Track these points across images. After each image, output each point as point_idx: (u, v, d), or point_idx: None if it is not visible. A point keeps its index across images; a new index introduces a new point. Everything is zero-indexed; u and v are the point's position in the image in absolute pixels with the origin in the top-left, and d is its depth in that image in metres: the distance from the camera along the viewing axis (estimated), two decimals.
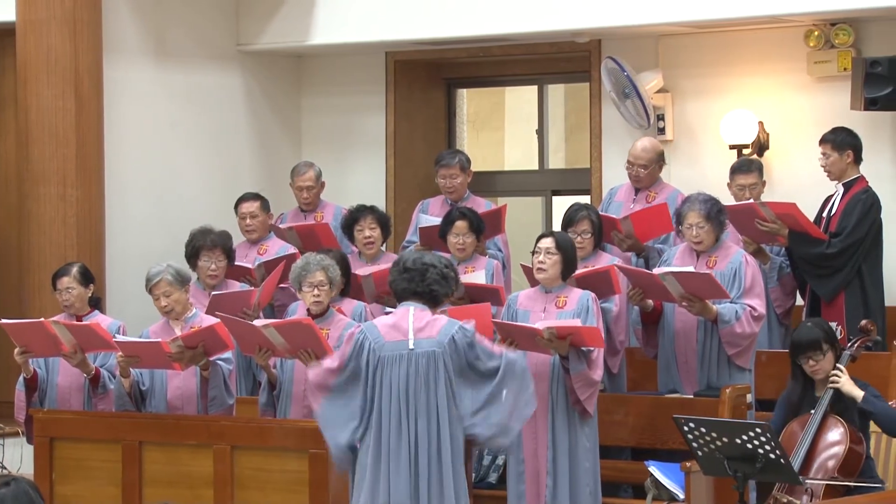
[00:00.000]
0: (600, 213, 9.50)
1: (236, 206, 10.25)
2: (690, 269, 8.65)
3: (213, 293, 9.19)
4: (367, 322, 7.21)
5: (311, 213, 10.55)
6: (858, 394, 7.34)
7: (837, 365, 7.42)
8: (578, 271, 8.62)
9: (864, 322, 7.84)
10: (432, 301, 7.13)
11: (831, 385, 7.37)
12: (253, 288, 9.34)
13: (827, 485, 7.17)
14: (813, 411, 7.36)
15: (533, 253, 8.49)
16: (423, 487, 6.89)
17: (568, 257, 8.41)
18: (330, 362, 7.16)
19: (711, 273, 8.59)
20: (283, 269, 9.34)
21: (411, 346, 6.97)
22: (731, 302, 8.66)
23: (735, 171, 9.71)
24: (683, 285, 8.53)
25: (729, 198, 9.54)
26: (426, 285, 7.05)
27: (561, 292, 8.42)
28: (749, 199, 9.47)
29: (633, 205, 9.82)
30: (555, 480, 8.34)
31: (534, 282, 8.72)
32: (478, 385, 7.01)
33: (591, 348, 8.19)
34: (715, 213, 8.80)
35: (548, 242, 8.40)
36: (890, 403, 8.32)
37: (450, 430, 6.96)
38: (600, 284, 8.66)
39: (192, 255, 9.43)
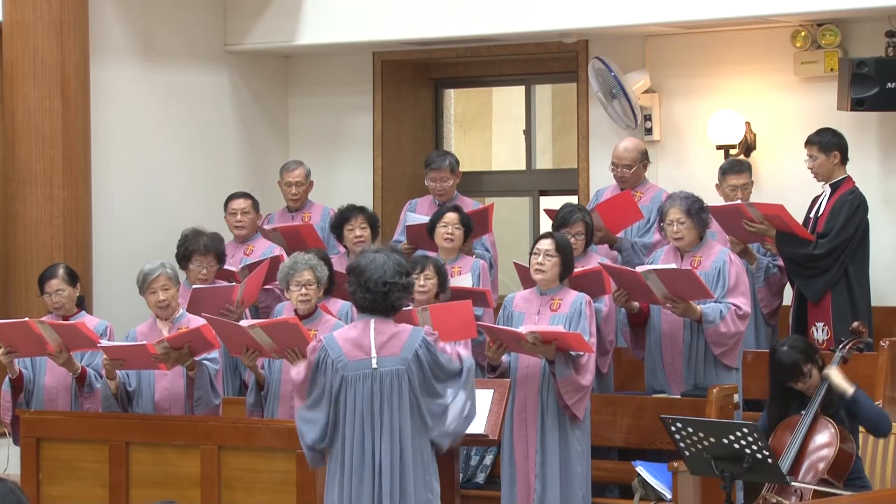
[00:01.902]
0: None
1: (227, 203, 10.26)
2: (671, 266, 8.66)
3: (193, 287, 9.18)
4: (328, 336, 7.02)
5: (299, 213, 10.55)
6: (849, 388, 7.34)
7: (830, 366, 7.44)
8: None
9: (856, 324, 7.83)
10: (394, 311, 7.01)
11: (826, 377, 7.38)
12: (234, 284, 9.32)
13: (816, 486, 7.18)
14: (803, 412, 7.36)
15: (531, 253, 8.46)
16: (387, 501, 6.83)
17: (567, 259, 8.42)
18: (297, 375, 7.06)
19: (693, 270, 8.61)
20: (267, 269, 9.34)
21: (375, 366, 6.85)
22: (715, 301, 8.67)
23: (726, 171, 9.72)
24: (666, 283, 8.54)
25: (716, 198, 9.55)
26: (389, 303, 6.93)
27: (556, 294, 8.41)
28: (740, 199, 9.48)
29: None
30: (543, 484, 8.33)
31: (527, 281, 8.71)
32: (440, 392, 6.92)
33: (581, 353, 8.17)
34: (696, 210, 8.82)
35: (547, 244, 8.38)
36: (876, 403, 8.35)
37: (412, 445, 6.85)
38: (592, 284, 8.67)
39: (185, 257, 9.42)
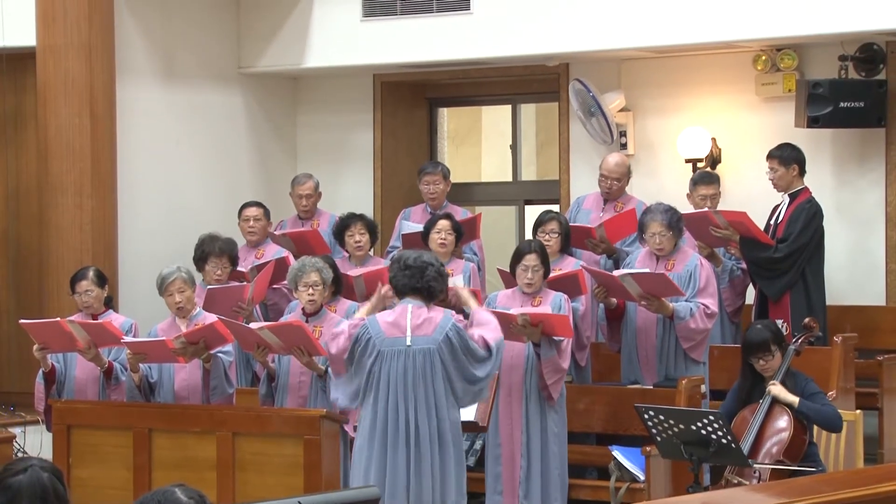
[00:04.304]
0: (572, 223, 9.52)
1: (240, 211, 10.26)
2: (646, 270, 8.68)
3: (208, 287, 9.18)
4: (371, 317, 7.14)
5: (309, 221, 10.56)
6: (794, 400, 7.30)
7: (772, 381, 7.39)
8: (550, 275, 8.64)
9: (807, 319, 7.83)
10: (429, 296, 7.07)
11: (769, 393, 7.34)
12: (245, 283, 9.33)
13: (773, 468, 7.18)
14: (761, 400, 7.36)
15: (517, 267, 8.46)
16: (426, 468, 6.85)
17: (547, 265, 8.48)
18: (336, 347, 7.08)
19: (665, 273, 8.62)
20: (273, 269, 9.35)
21: (409, 343, 6.90)
22: (686, 300, 8.68)
23: (697, 182, 9.73)
24: (641, 284, 8.55)
25: (686, 206, 9.56)
26: (425, 282, 6.99)
27: (538, 293, 8.46)
28: (709, 207, 9.49)
29: (603, 213, 9.83)
30: (528, 462, 8.37)
31: (509, 284, 8.74)
32: (471, 371, 6.97)
33: (562, 338, 8.21)
34: (675, 221, 8.84)
35: (533, 260, 8.42)
36: (829, 394, 8.35)
37: (448, 416, 6.93)
38: (569, 286, 8.68)
39: (201, 258, 9.42)
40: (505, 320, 8.11)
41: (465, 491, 7.10)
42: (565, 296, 8.42)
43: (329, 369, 7.51)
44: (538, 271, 8.41)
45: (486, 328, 7.04)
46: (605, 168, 9.87)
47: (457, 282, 9.25)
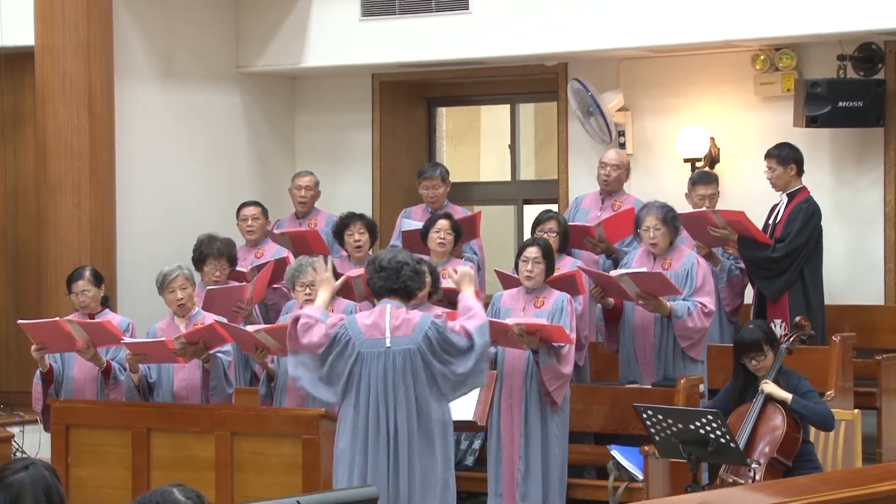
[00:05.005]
0: (571, 222, 9.52)
1: (238, 211, 10.26)
2: (643, 269, 8.68)
3: (208, 287, 9.18)
4: (350, 317, 7.09)
5: (306, 220, 10.55)
6: (787, 396, 7.29)
7: (764, 380, 7.38)
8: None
9: (798, 318, 7.82)
10: (406, 296, 7.02)
11: (762, 392, 7.33)
12: (245, 283, 9.34)
13: (767, 465, 7.17)
14: (755, 399, 7.35)
15: (518, 258, 8.46)
16: (403, 469, 6.83)
17: (550, 261, 8.48)
18: (310, 338, 6.98)
19: (662, 273, 8.62)
20: (273, 269, 9.36)
21: (388, 345, 6.86)
22: (683, 299, 8.68)
23: (696, 182, 9.72)
24: (638, 284, 8.55)
25: (684, 206, 9.55)
26: (401, 282, 6.93)
27: (541, 293, 8.44)
28: (707, 207, 9.48)
29: (601, 212, 9.84)
30: (527, 464, 8.36)
31: (507, 285, 8.73)
32: (454, 365, 6.90)
33: (563, 344, 8.19)
34: (670, 217, 8.84)
35: (534, 252, 8.40)
36: (828, 393, 8.35)
37: (431, 415, 6.89)
38: (567, 286, 8.67)
39: (200, 260, 9.42)
40: (500, 330, 8.09)
41: (454, 490, 7.05)
42: (568, 296, 8.41)
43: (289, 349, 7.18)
44: (539, 264, 8.38)
45: (467, 316, 6.95)
46: (604, 158, 9.90)
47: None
